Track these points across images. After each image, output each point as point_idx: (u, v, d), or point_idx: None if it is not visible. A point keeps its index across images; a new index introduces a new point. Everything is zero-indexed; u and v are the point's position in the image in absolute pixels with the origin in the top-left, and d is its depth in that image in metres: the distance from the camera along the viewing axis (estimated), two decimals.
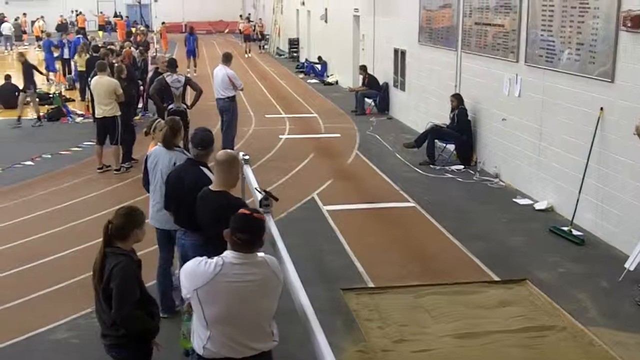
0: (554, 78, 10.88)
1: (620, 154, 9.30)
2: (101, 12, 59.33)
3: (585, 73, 9.98)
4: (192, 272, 4.32)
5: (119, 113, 13.45)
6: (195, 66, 31.54)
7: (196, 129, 6.81)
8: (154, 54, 31.21)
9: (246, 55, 39.08)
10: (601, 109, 9.63)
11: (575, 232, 9.89)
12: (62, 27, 43.25)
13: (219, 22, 61.77)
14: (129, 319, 4.80)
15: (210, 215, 5.79)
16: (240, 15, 53.70)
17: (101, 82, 13.38)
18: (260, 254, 4.47)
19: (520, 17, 11.87)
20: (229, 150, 6.03)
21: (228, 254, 4.35)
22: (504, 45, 12.51)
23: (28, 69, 19.60)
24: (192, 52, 31.84)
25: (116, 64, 15.55)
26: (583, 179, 9.93)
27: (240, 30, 45.68)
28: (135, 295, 4.85)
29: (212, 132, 6.83)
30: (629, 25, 8.88)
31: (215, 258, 4.34)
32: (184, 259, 6.51)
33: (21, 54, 21.02)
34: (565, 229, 9.99)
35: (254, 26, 46.25)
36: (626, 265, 8.41)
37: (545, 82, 11.15)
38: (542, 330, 7.19)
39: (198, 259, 4.41)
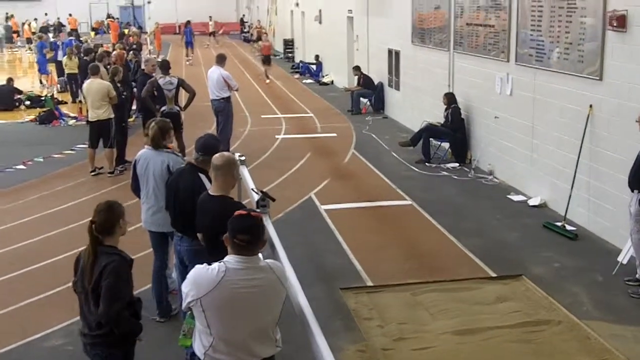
0: (545, 77, 11.00)
1: (610, 149, 9.44)
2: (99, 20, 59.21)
3: (575, 71, 10.10)
4: (196, 280, 4.22)
5: (112, 116, 13.35)
6: (192, 54, 36.99)
7: (203, 135, 6.64)
8: (147, 55, 31.26)
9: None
10: (590, 106, 9.75)
11: (568, 227, 10.01)
12: (44, 30, 43.21)
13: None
14: (117, 319, 4.70)
15: (210, 220, 5.63)
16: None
17: (94, 86, 13.22)
18: (267, 260, 4.42)
19: (510, 17, 11.99)
20: (225, 153, 5.86)
21: (230, 259, 4.24)
22: (495, 45, 12.63)
23: None
24: (190, 43, 36.97)
25: (111, 66, 15.54)
26: (575, 175, 10.06)
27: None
28: (127, 296, 4.79)
29: (218, 140, 6.66)
30: (615, 24, 9.02)
31: (218, 264, 4.23)
32: (181, 264, 6.57)
33: None
34: (559, 224, 10.11)
35: (249, 27, 46.18)
36: (619, 259, 8.55)
37: (536, 80, 11.27)
38: (539, 324, 7.29)
39: (200, 266, 4.31)
